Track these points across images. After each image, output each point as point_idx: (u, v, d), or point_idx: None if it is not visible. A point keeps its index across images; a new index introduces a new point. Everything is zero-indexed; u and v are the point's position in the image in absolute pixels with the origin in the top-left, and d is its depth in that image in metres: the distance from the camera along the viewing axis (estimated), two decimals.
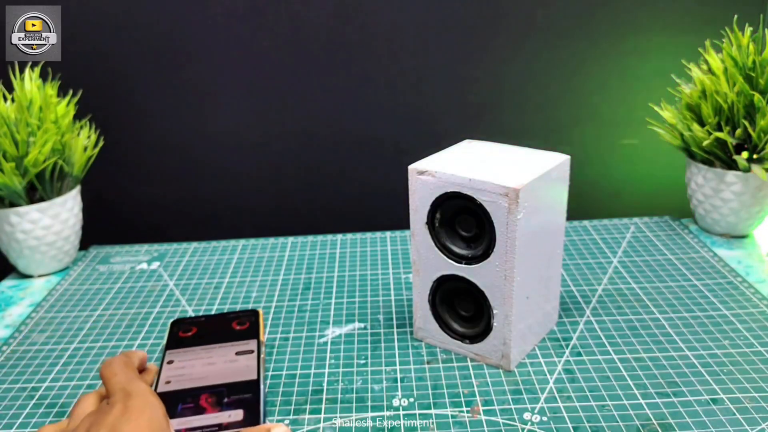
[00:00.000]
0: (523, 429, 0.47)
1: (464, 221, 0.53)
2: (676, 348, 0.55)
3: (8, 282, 0.76)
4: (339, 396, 0.52)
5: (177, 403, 0.48)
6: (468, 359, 0.56)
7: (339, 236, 0.82)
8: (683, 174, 0.78)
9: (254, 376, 0.51)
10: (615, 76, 0.86)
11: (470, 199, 0.50)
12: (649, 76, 0.85)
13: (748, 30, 0.69)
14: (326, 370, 0.55)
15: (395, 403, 0.50)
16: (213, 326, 0.58)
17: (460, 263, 0.53)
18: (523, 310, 0.53)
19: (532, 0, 0.82)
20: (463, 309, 0.56)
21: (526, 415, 0.48)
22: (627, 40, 0.84)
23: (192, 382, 0.50)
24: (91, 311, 0.67)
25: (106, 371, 0.42)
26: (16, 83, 0.72)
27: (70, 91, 0.76)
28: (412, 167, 0.53)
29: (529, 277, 0.53)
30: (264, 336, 0.58)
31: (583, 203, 0.86)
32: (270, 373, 0.55)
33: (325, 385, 0.53)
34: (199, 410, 0.47)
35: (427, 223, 0.54)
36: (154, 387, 0.50)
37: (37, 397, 0.54)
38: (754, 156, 0.68)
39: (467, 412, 0.49)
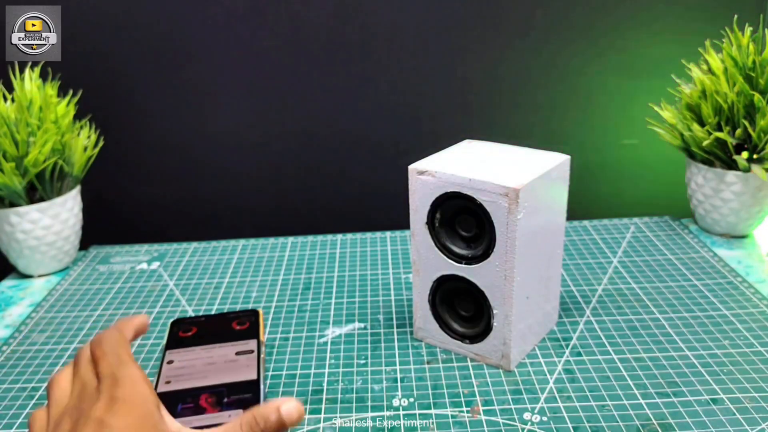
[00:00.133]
0: (523, 429, 0.47)
1: (464, 221, 0.53)
2: (676, 348, 0.55)
3: (8, 282, 0.76)
4: (339, 396, 0.52)
5: (177, 403, 0.48)
6: (468, 359, 0.56)
7: (339, 236, 0.82)
8: (683, 174, 0.78)
9: (254, 376, 0.51)
10: (615, 76, 0.86)
11: (470, 199, 0.50)
12: (649, 76, 0.85)
13: (748, 30, 0.69)
14: (326, 370, 0.55)
15: (395, 403, 0.50)
16: (213, 326, 0.58)
17: (460, 263, 0.53)
18: (523, 310, 0.53)
19: (531, 0, 0.82)
20: (463, 309, 0.56)
21: (526, 415, 0.48)
22: (627, 40, 0.84)
23: (192, 382, 0.50)
24: (91, 311, 0.67)
25: (96, 350, 0.37)
26: (16, 83, 0.72)
27: (70, 91, 0.76)
28: (412, 167, 0.53)
29: (529, 277, 0.53)
30: (264, 336, 0.58)
31: (583, 203, 0.86)
32: (270, 373, 0.55)
33: (325, 385, 0.53)
34: (199, 410, 0.47)
35: (427, 223, 0.54)
36: (154, 386, 0.50)
37: (37, 397, 0.54)
38: (754, 156, 0.68)
39: (467, 412, 0.49)
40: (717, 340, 0.56)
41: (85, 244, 0.82)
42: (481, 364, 0.55)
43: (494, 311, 0.52)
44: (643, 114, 0.82)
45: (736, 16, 0.70)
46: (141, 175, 0.92)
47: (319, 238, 0.82)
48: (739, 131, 0.69)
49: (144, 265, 0.77)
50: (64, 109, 0.74)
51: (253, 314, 0.60)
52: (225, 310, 0.66)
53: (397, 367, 0.55)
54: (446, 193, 0.51)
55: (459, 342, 0.56)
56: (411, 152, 0.59)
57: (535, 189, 0.49)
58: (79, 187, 0.78)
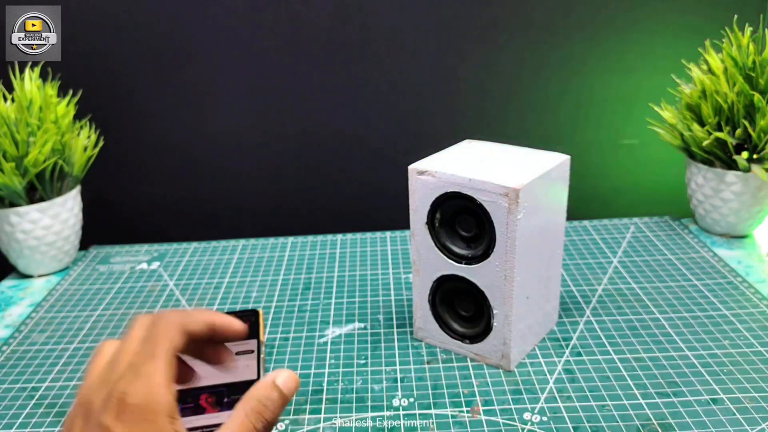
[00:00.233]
0: (523, 429, 0.47)
1: (464, 221, 0.53)
2: (676, 348, 0.55)
3: (8, 282, 0.76)
4: (339, 396, 0.52)
5: (176, 403, 0.48)
6: (468, 359, 0.56)
7: (339, 236, 0.82)
8: (683, 174, 0.78)
9: (254, 376, 0.51)
10: (615, 76, 0.86)
11: (470, 199, 0.50)
12: (649, 76, 0.85)
13: (748, 30, 0.69)
14: (326, 370, 0.55)
15: (395, 403, 0.50)
16: None
17: (460, 263, 0.53)
18: (523, 310, 0.53)
19: (531, 0, 0.82)
20: (463, 309, 0.56)
21: (526, 415, 0.48)
22: (627, 40, 0.84)
23: (192, 382, 0.50)
24: (91, 311, 0.67)
25: (145, 330, 0.35)
26: (16, 83, 0.72)
27: (70, 91, 0.76)
28: (412, 167, 0.53)
29: (529, 277, 0.52)
30: (264, 336, 0.58)
31: (583, 203, 0.86)
32: None
33: (325, 385, 0.53)
34: (199, 410, 0.47)
35: (427, 223, 0.54)
36: None
37: (37, 397, 0.54)
38: (754, 156, 0.68)
39: (467, 412, 0.49)
40: (717, 340, 0.56)
41: (85, 244, 0.82)
42: (481, 364, 0.55)
43: (494, 311, 0.52)
44: (643, 114, 0.82)
45: (736, 16, 0.70)
46: (141, 175, 0.92)
47: (319, 238, 0.82)
48: (739, 131, 0.69)
49: (144, 265, 0.77)
50: (64, 109, 0.74)
51: (253, 314, 0.60)
52: (225, 310, 0.66)
53: (397, 367, 0.55)
54: (446, 193, 0.51)
55: (459, 342, 0.56)
56: (411, 152, 0.59)
57: (535, 189, 0.49)
58: (79, 187, 0.78)
